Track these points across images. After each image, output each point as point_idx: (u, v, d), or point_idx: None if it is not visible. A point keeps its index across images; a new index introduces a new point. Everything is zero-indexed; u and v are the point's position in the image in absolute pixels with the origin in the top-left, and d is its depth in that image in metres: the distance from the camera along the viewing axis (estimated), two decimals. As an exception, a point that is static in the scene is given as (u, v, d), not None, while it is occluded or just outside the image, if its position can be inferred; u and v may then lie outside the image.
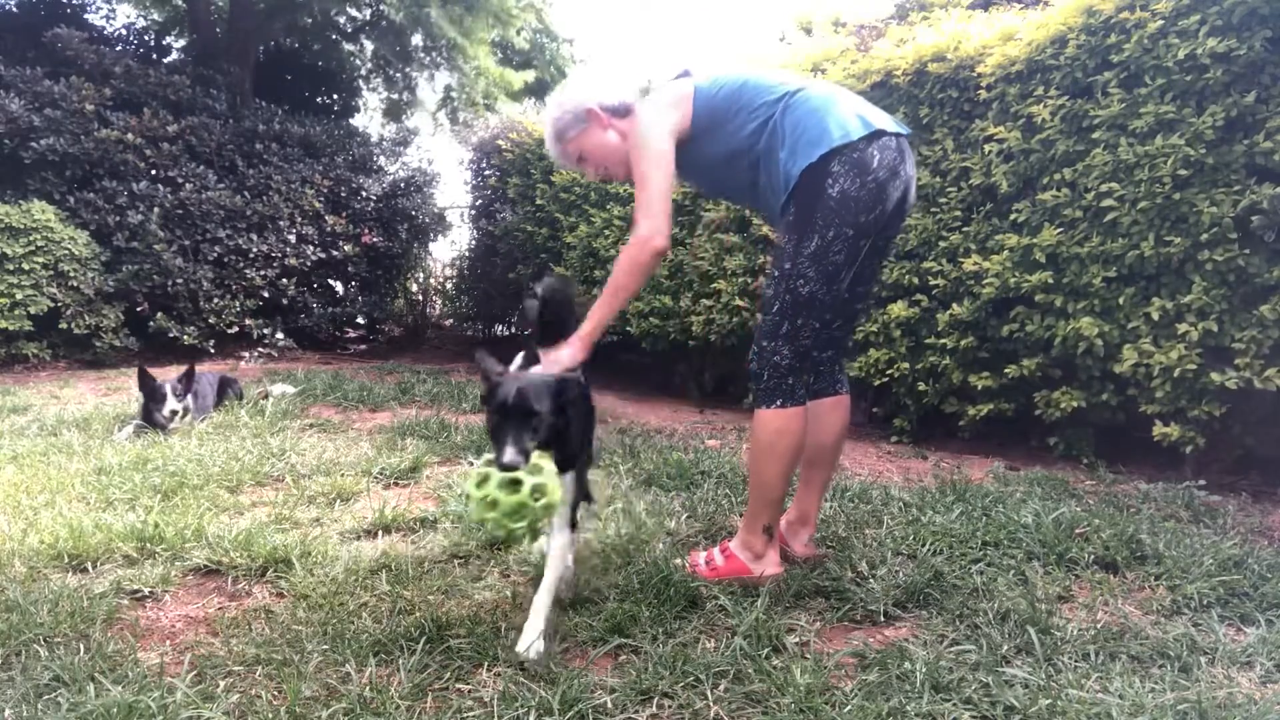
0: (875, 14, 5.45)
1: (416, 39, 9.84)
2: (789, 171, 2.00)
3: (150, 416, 4.05)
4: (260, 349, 7.53)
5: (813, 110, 2.01)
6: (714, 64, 2.28)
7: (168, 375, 4.17)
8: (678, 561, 2.20)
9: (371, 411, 4.80)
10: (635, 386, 6.18)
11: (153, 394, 4.04)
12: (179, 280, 6.94)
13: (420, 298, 9.86)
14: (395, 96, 11.49)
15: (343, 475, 3.16)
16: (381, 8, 8.88)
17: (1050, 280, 3.50)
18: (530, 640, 1.71)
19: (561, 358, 1.96)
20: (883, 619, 1.94)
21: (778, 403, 2.06)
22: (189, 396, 4.21)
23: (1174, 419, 3.26)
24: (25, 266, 6.10)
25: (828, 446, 2.28)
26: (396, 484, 3.16)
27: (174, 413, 4.01)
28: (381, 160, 9.08)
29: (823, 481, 2.34)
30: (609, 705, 1.54)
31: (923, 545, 2.35)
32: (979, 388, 3.81)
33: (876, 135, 1.97)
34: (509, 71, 10.54)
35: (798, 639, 1.81)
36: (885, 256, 2.38)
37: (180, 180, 7.17)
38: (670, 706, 1.56)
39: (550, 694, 1.54)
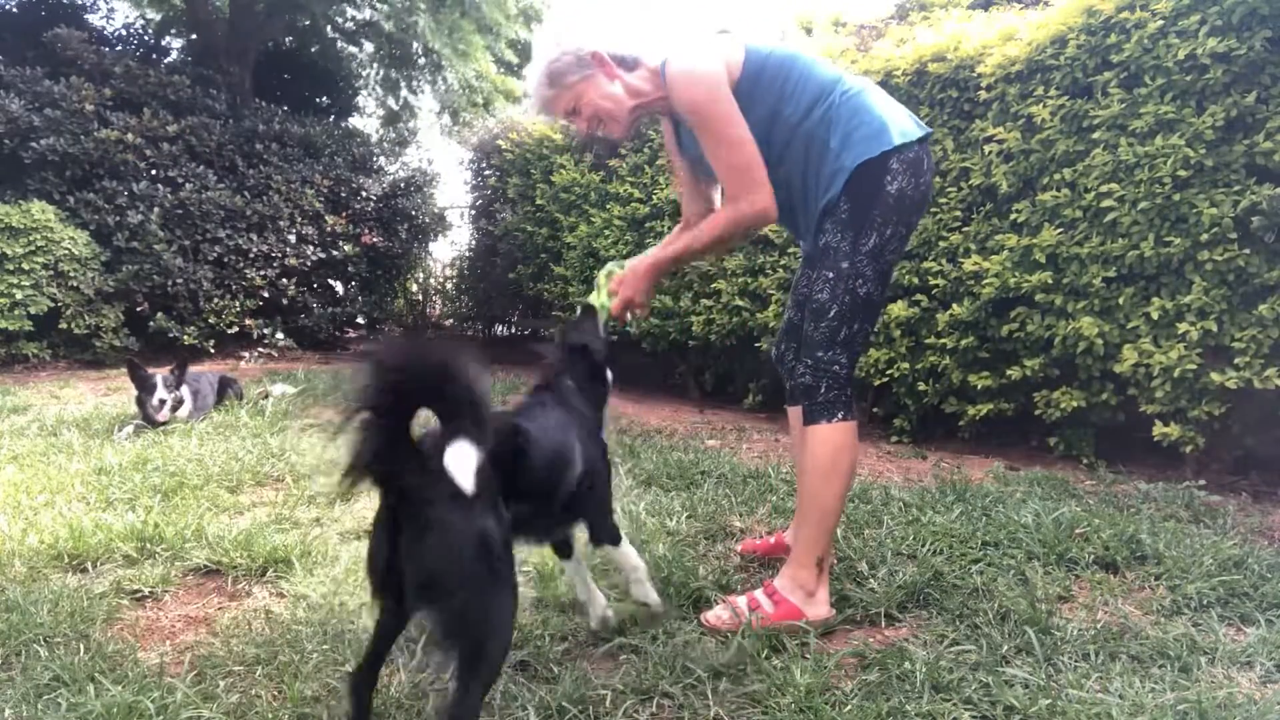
0: (875, 14, 5.45)
1: (415, 41, 9.86)
2: (840, 164, 1.89)
3: (144, 413, 4.05)
4: (260, 349, 7.53)
5: (870, 105, 1.92)
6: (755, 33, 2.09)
7: (161, 372, 4.17)
8: (706, 616, 1.91)
9: (371, 411, 4.79)
10: (635, 386, 6.18)
11: (143, 384, 4.04)
12: (179, 280, 6.94)
13: (420, 298, 9.87)
14: (392, 102, 11.50)
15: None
16: (374, 14, 8.93)
17: (1050, 280, 3.50)
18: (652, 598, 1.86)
19: (636, 266, 1.99)
20: (883, 619, 1.94)
21: (839, 415, 1.92)
22: (185, 390, 4.20)
23: (1174, 419, 3.26)
24: (25, 266, 6.10)
25: None
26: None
27: (162, 401, 3.99)
28: (381, 160, 9.08)
29: None
30: (609, 705, 1.54)
31: (923, 545, 2.35)
32: (979, 388, 3.80)
33: (927, 139, 1.94)
34: (510, 80, 10.55)
35: (798, 639, 1.81)
36: None
37: (180, 180, 7.17)
38: (670, 706, 1.56)
39: (551, 693, 1.54)
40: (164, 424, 4.00)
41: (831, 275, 1.91)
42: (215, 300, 7.21)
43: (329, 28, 10.28)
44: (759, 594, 1.94)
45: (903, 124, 1.92)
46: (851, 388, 1.96)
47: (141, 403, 4.05)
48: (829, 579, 2.01)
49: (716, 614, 1.91)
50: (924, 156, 1.92)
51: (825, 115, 1.92)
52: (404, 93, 11.33)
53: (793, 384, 2.06)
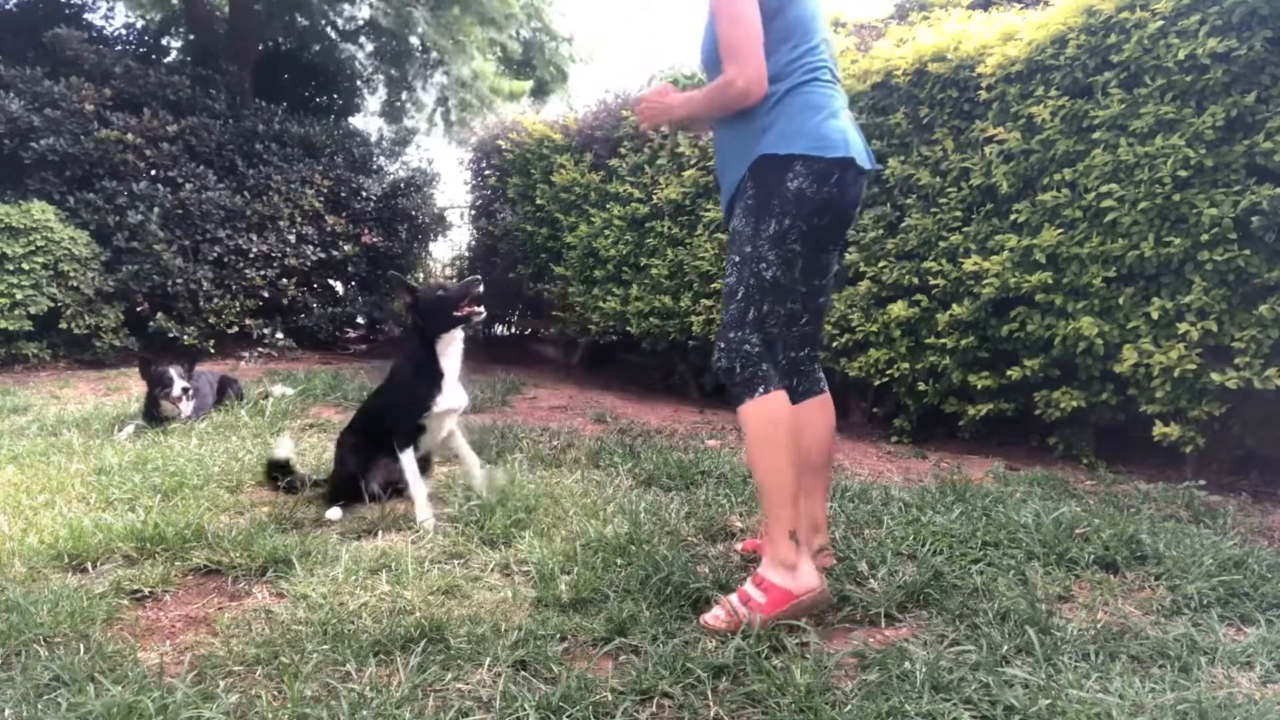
0: (875, 14, 5.45)
1: (414, 39, 9.87)
2: (753, 146, 1.95)
3: (154, 411, 4.03)
4: (260, 349, 7.53)
5: (817, 107, 1.94)
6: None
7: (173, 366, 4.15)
8: (705, 618, 1.90)
9: (371, 411, 4.79)
10: (635, 386, 6.19)
11: (159, 379, 4.01)
12: (179, 280, 6.94)
13: (420, 298, 9.85)
14: (394, 99, 11.51)
15: (343, 475, 3.15)
16: (373, 13, 8.95)
17: (1050, 280, 3.50)
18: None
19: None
20: (883, 619, 1.94)
21: (759, 390, 1.97)
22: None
23: (1174, 419, 3.26)
24: (25, 266, 6.10)
25: (824, 448, 2.24)
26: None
27: (185, 390, 3.97)
28: (381, 160, 9.09)
29: (825, 484, 2.31)
30: (609, 704, 1.54)
31: (923, 545, 2.35)
32: (979, 388, 3.81)
33: (847, 163, 1.95)
34: (509, 81, 10.58)
35: (798, 639, 1.81)
36: (835, 259, 2.29)
37: (180, 180, 7.18)
38: (670, 706, 1.56)
39: (551, 693, 1.54)
40: (180, 419, 3.98)
41: (738, 259, 2.01)
42: (215, 300, 7.20)
43: (328, 27, 10.29)
44: (748, 586, 1.95)
45: (829, 137, 1.93)
46: (769, 364, 1.99)
47: (154, 399, 4.02)
48: (825, 577, 2.01)
49: (715, 614, 1.91)
50: (836, 172, 1.92)
51: (776, 91, 1.94)
52: (403, 92, 11.35)
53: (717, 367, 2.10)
